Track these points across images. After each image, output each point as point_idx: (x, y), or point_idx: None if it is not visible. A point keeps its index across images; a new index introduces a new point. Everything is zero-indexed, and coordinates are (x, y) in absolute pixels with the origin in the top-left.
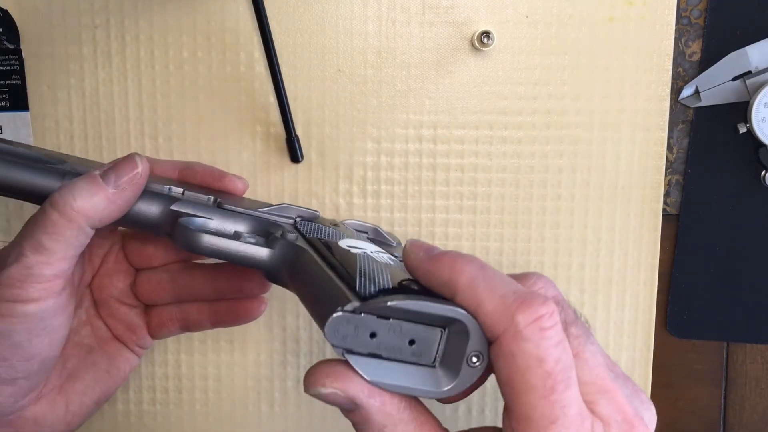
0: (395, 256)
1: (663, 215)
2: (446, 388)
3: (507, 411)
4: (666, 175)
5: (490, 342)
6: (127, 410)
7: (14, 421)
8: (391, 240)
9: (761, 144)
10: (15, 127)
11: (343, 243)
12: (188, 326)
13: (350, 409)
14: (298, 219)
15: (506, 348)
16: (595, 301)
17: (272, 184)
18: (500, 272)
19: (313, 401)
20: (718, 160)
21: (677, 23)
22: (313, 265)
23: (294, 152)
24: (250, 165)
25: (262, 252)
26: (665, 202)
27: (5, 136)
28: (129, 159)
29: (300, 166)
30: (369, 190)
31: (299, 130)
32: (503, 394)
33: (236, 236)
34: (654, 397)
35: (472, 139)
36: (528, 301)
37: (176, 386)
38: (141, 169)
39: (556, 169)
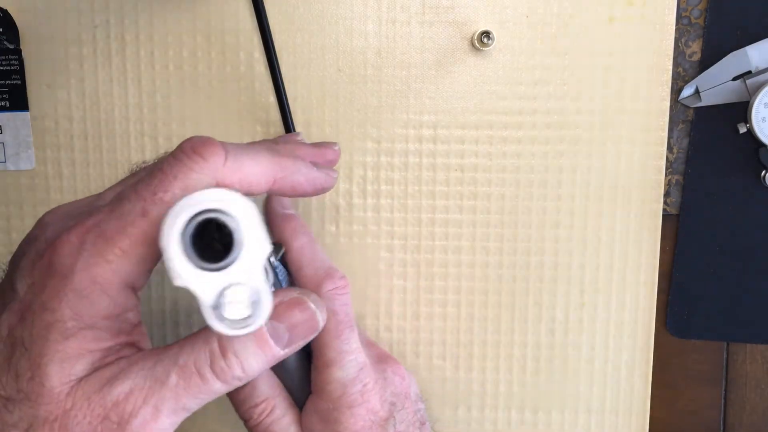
0: None
1: (663, 215)
2: None
3: (313, 352)
4: (666, 175)
5: None
6: None
7: None
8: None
9: (761, 144)
10: (15, 127)
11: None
12: None
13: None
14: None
15: None
16: (595, 301)
17: None
18: (321, 248)
19: None
20: (718, 160)
21: (677, 23)
22: None
23: None
24: None
25: None
26: (665, 202)
27: (5, 136)
28: (311, 317)
29: None
30: (369, 190)
31: (299, 130)
32: (313, 351)
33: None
34: (654, 397)
35: (472, 139)
36: (331, 275)
37: None
38: (321, 326)
39: (556, 169)
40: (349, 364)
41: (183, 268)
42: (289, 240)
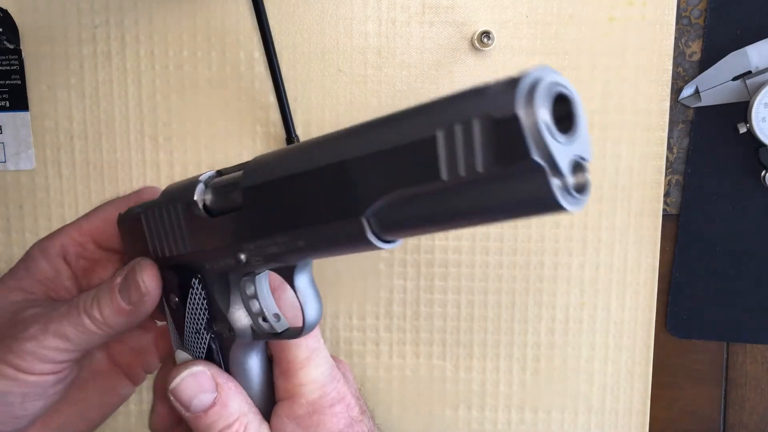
0: None
1: (663, 215)
2: None
3: (277, 357)
4: (666, 175)
5: None
6: (128, 410)
7: None
8: None
9: (761, 144)
10: (15, 127)
11: None
12: None
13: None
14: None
15: None
16: (595, 301)
17: None
18: None
19: None
20: (718, 160)
21: (677, 23)
22: None
23: None
24: None
25: None
26: (665, 202)
27: (5, 136)
28: (135, 282)
29: None
30: None
31: (299, 130)
32: (275, 355)
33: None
34: (654, 397)
35: None
36: None
37: None
38: (144, 287)
39: None
40: (323, 361)
41: (548, 138)
42: None
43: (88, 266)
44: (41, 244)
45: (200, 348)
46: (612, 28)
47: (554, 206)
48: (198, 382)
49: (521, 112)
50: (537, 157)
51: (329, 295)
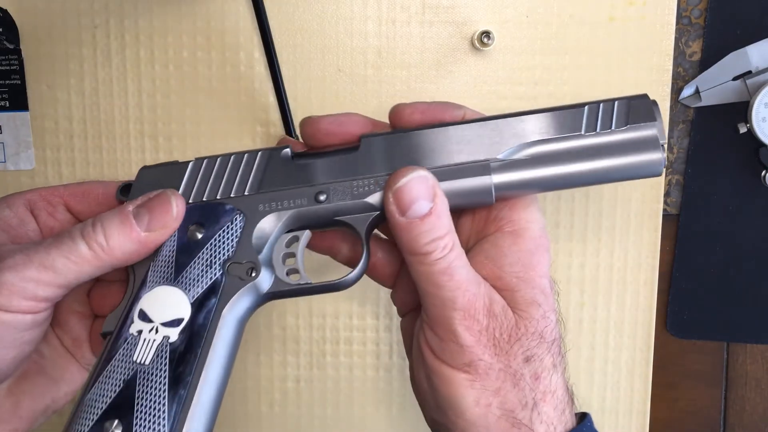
0: None
1: (663, 215)
2: None
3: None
4: (666, 175)
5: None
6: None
7: None
8: None
9: (761, 144)
10: (15, 127)
11: None
12: None
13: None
14: None
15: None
16: (595, 301)
17: None
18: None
19: (314, 401)
20: (718, 160)
21: (677, 23)
22: None
23: None
24: None
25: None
26: (665, 202)
27: (5, 136)
28: (167, 206)
29: None
30: None
31: (299, 130)
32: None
33: None
34: (654, 397)
35: None
36: None
37: None
38: (174, 213)
39: None
40: (540, 212)
41: (660, 116)
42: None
43: (57, 228)
44: (6, 197)
45: (203, 281)
46: (612, 28)
47: (657, 164)
48: (422, 187)
49: (652, 98)
50: (658, 123)
51: (329, 295)
